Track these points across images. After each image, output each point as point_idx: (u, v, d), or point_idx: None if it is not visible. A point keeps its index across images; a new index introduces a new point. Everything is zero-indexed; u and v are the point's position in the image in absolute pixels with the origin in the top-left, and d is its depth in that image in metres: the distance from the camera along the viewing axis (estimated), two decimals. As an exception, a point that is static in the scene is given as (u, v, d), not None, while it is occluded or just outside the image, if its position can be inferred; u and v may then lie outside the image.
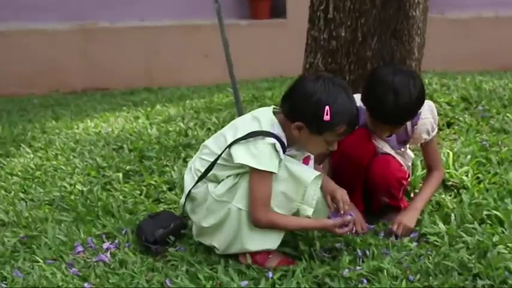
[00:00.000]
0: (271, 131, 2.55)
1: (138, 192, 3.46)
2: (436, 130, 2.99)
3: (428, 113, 2.92)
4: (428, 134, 2.94)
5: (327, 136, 2.56)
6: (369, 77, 2.85)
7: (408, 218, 2.86)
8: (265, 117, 2.62)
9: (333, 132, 2.54)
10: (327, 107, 2.48)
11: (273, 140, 2.53)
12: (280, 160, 2.57)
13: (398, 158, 2.98)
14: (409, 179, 3.05)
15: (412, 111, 2.76)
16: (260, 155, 2.52)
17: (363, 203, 2.99)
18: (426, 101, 2.91)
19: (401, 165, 2.96)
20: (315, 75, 2.75)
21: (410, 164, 3.09)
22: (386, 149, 2.95)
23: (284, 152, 2.58)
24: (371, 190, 2.97)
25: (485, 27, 7.29)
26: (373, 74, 2.84)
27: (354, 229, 2.75)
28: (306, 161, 2.74)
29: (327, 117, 2.48)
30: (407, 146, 3.03)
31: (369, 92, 2.78)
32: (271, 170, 2.53)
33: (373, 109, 2.78)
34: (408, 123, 2.90)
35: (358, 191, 2.97)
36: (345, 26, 3.51)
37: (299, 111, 2.54)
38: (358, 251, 2.74)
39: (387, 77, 2.70)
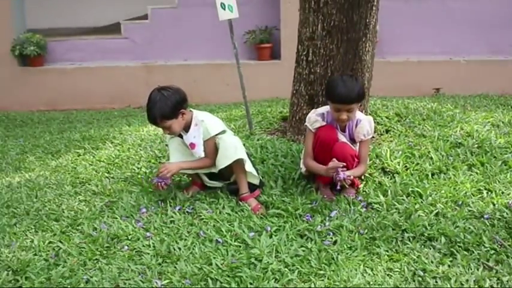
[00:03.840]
0: None
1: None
2: (370, 136, 2.96)
3: (366, 122, 2.93)
4: (364, 136, 2.93)
5: None
6: (328, 80, 2.96)
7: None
8: None
9: None
10: None
11: None
12: None
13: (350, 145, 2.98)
14: (356, 160, 2.95)
15: (356, 92, 2.78)
16: None
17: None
18: (367, 116, 2.98)
19: (353, 149, 2.96)
20: None
21: (357, 150, 3.03)
22: (344, 139, 2.96)
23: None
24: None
25: (411, 68, 7.29)
26: (329, 77, 2.94)
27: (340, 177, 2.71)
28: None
29: None
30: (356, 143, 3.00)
31: (327, 86, 2.90)
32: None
33: (330, 94, 2.82)
34: (353, 126, 2.91)
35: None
36: (320, 65, 3.52)
37: None
38: (327, 214, 2.75)
39: (337, 76, 2.91)
